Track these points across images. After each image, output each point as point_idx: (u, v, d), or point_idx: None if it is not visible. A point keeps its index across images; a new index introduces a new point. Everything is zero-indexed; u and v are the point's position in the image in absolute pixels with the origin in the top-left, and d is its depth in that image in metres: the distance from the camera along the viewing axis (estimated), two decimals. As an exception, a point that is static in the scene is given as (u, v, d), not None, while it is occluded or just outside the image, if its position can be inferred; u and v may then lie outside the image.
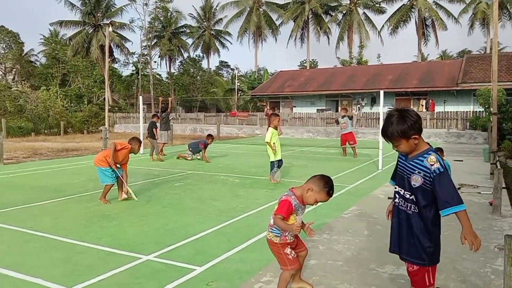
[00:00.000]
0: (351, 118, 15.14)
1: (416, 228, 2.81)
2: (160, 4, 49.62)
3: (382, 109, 12.04)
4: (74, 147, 18.57)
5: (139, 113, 20.17)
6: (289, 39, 53.79)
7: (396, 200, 2.96)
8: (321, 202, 3.27)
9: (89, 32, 49.30)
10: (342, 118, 14.79)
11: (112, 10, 50.01)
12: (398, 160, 2.99)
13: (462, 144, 21.19)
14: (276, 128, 9.53)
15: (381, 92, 11.81)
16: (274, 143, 9.31)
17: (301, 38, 53.28)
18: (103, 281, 3.88)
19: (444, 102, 31.36)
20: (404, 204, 2.88)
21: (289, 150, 16.98)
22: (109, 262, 4.35)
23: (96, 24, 49.04)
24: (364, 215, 6.36)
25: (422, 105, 32.66)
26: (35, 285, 3.80)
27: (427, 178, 2.71)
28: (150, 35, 50.69)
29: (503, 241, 2.70)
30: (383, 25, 49.35)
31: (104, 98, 31.13)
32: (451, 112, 27.86)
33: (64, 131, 30.08)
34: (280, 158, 9.48)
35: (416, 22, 47.62)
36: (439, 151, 9.00)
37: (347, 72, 39.10)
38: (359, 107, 34.72)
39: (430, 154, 2.74)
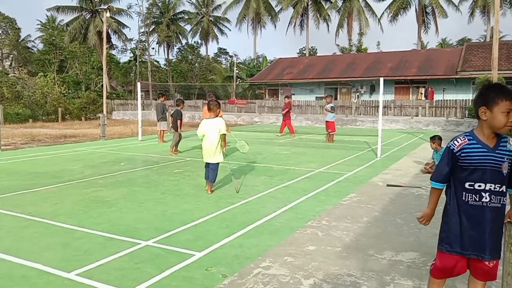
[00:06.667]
0: (331, 108, 15.33)
1: (500, 220, 2.62)
2: (158, -10, 49.12)
3: (381, 97, 11.97)
4: (72, 133, 18.52)
5: (137, 100, 20.08)
6: (288, 26, 53.28)
7: (483, 199, 2.59)
8: None
9: (86, 17, 48.68)
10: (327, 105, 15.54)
11: (110, -5, 49.36)
12: (473, 154, 2.66)
13: (461, 133, 21.14)
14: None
15: (381, 80, 11.72)
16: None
17: (301, 25, 52.80)
18: (102, 266, 3.88)
19: (443, 91, 31.26)
20: (495, 199, 2.58)
21: (287, 138, 16.99)
22: (108, 248, 4.36)
23: (93, 10, 48.42)
24: (363, 202, 6.38)
25: (421, 93, 32.54)
26: (34, 269, 3.81)
27: (510, 161, 2.62)
28: (148, 21, 50.20)
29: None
30: (383, 12, 49.00)
31: (102, 85, 30.85)
32: (450, 100, 27.78)
33: (62, 118, 29.97)
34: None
35: (416, 9, 47.24)
36: (438, 139, 9.02)
37: (346, 60, 38.87)
38: (358, 95, 34.60)
39: (507, 137, 2.66)
